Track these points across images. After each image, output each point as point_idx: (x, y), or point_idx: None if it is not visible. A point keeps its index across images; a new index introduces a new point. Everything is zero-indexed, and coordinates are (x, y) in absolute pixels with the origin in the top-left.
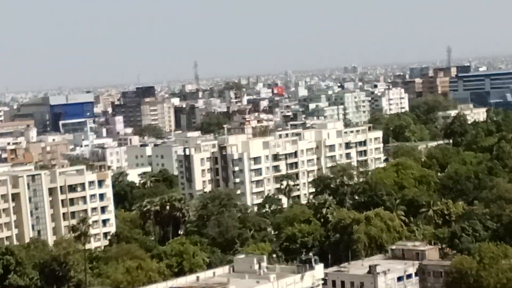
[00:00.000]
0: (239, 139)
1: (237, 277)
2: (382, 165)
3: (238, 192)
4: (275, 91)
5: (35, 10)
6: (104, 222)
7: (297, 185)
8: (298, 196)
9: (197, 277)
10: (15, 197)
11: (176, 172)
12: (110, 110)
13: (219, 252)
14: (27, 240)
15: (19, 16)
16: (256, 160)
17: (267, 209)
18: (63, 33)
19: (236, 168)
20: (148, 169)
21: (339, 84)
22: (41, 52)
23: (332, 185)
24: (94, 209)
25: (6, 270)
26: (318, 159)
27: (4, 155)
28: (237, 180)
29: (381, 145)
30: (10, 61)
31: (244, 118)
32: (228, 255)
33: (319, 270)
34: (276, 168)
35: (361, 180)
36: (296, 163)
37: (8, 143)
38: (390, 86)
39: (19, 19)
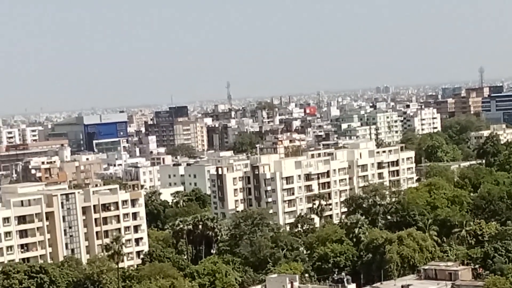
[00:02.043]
0: (272, 159)
1: None
2: (415, 185)
3: (271, 211)
4: (308, 111)
5: (69, 32)
6: (137, 241)
7: (330, 204)
8: (330, 216)
9: None
10: (49, 216)
11: (208, 192)
12: (143, 129)
13: (251, 271)
14: (60, 258)
15: (54, 38)
16: (289, 179)
17: (300, 229)
18: (97, 54)
19: (269, 188)
20: (181, 188)
21: (371, 104)
22: (75, 73)
23: (364, 205)
24: (127, 228)
25: None
26: (351, 178)
27: (38, 174)
28: (270, 199)
29: (414, 165)
30: (45, 82)
31: (277, 137)
32: (261, 275)
33: None
34: (309, 188)
35: (393, 200)
36: (328, 183)
37: (43, 162)
38: (423, 106)
39: (54, 41)
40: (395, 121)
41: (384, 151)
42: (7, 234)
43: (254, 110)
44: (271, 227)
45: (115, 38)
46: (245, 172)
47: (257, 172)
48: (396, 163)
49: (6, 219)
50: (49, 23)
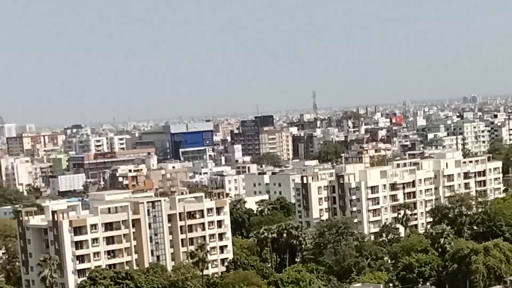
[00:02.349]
0: (357, 168)
1: None
2: (502, 195)
3: (355, 220)
4: (393, 121)
5: (153, 42)
6: (222, 248)
7: (415, 214)
8: (416, 226)
9: None
10: (136, 223)
11: (293, 200)
12: (229, 138)
13: (335, 280)
14: (146, 265)
15: (139, 48)
16: (374, 189)
17: (384, 238)
18: (183, 63)
19: (353, 197)
20: (266, 197)
21: (458, 114)
22: (162, 82)
23: (450, 215)
24: (212, 235)
25: None
26: (436, 188)
27: (125, 182)
28: (354, 208)
29: (501, 175)
30: (132, 91)
31: (362, 147)
32: (345, 284)
33: None
34: (394, 197)
35: (479, 210)
36: (414, 193)
37: (130, 170)
38: (511, 116)
39: (139, 51)
40: (482, 131)
41: (470, 161)
42: (95, 240)
43: (339, 120)
44: (355, 236)
45: (202, 50)
46: (330, 181)
47: (342, 181)
48: (483, 173)
49: (94, 226)
50: (138, 32)
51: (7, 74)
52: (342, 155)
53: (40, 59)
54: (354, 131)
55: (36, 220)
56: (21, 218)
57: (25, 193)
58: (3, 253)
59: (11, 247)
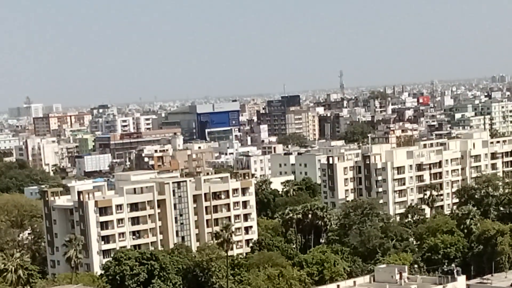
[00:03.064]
0: (383, 149)
1: (377, 286)
2: None
3: (381, 201)
4: (421, 101)
5: (182, 22)
6: (247, 229)
7: (441, 195)
8: (442, 207)
9: (338, 286)
10: (161, 203)
11: (319, 181)
12: (255, 118)
13: (360, 261)
14: (171, 246)
15: (166, 28)
16: (400, 169)
17: (410, 219)
18: (211, 43)
19: (379, 178)
20: (291, 177)
21: (486, 94)
22: (188, 62)
23: (476, 196)
24: (237, 216)
25: (151, 275)
26: (463, 169)
27: (151, 162)
28: (380, 189)
29: None
30: (159, 71)
31: (389, 127)
32: (369, 265)
33: (462, 281)
34: (420, 178)
35: (506, 191)
36: (440, 173)
37: (156, 151)
38: None
39: (166, 31)
40: (510, 111)
41: (498, 142)
42: (120, 221)
43: (366, 100)
44: (381, 217)
45: (229, 28)
46: (356, 161)
47: (368, 162)
48: (510, 153)
49: (119, 206)
50: (165, 12)
51: (34, 55)
52: (369, 135)
53: (67, 39)
54: (381, 111)
55: (62, 201)
56: (47, 199)
57: (51, 174)
58: (29, 234)
59: (37, 228)
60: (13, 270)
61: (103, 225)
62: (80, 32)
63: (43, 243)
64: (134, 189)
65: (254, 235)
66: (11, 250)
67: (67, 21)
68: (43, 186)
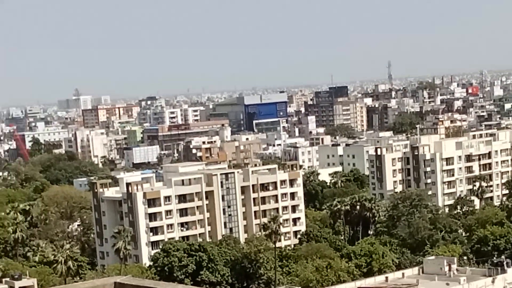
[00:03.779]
0: (432, 139)
1: (426, 278)
2: None
3: (429, 192)
4: (470, 91)
5: (227, 14)
6: (295, 220)
7: (490, 186)
8: (491, 198)
9: (386, 278)
10: (209, 195)
11: (367, 172)
12: (303, 109)
13: (408, 253)
14: (219, 237)
15: (213, 19)
16: (449, 160)
17: (459, 211)
18: (258, 34)
19: (428, 169)
20: (339, 168)
21: None
22: (236, 54)
23: None
24: (285, 207)
25: (199, 267)
26: None
27: (199, 154)
28: (429, 180)
29: None
30: (207, 62)
31: (437, 118)
32: (418, 256)
33: (511, 273)
34: (469, 169)
35: None
36: (489, 164)
37: (203, 142)
38: None
39: (213, 22)
40: None
41: None
42: (168, 212)
43: (415, 90)
44: (429, 209)
45: (277, 18)
46: (404, 152)
47: (417, 153)
48: None
49: (167, 198)
50: (209, 3)
51: (83, 47)
52: (417, 126)
53: (116, 31)
54: (429, 102)
55: (111, 192)
56: (96, 190)
57: (100, 165)
58: (78, 225)
59: (86, 219)
60: (63, 261)
61: (152, 217)
62: (129, 24)
63: (92, 235)
64: (182, 180)
65: (302, 227)
66: (61, 242)
67: (115, 12)
68: (92, 178)
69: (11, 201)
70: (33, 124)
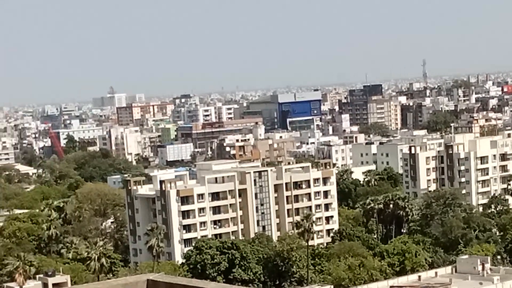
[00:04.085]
0: (466, 138)
1: (459, 277)
2: None
3: (463, 191)
4: (505, 89)
5: (264, 13)
6: (328, 219)
7: None
8: None
9: (419, 277)
10: (242, 193)
11: (400, 171)
12: (337, 108)
13: (441, 252)
14: (252, 235)
15: (247, 18)
16: (483, 159)
17: (493, 210)
18: (291, 32)
19: (462, 168)
20: (373, 167)
21: None
22: (270, 51)
23: None
24: (318, 206)
25: (232, 264)
26: None
27: (232, 152)
28: (463, 179)
29: None
30: (241, 61)
31: (472, 116)
32: (451, 255)
33: None
34: (504, 168)
35: None
36: None
37: (237, 140)
38: None
39: (247, 21)
40: None
41: None
42: (201, 210)
43: (449, 89)
44: (463, 208)
45: (311, 17)
46: (438, 151)
47: (451, 152)
48: None
49: (201, 196)
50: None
51: (118, 45)
52: (452, 124)
53: (150, 30)
54: (464, 100)
55: (144, 190)
56: (129, 188)
57: (134, 163)
58: (111, 222)
59: (119, 216)
60: (96, 258)
61: (185, 214)
62: (162, 22)
63: (126, 232)
64: (216, 178)
65: (335, 225)
66: (94, 239)
67: (150, 12)
68: (126, 175)
69: (46, 198)
70: (68, 121)
